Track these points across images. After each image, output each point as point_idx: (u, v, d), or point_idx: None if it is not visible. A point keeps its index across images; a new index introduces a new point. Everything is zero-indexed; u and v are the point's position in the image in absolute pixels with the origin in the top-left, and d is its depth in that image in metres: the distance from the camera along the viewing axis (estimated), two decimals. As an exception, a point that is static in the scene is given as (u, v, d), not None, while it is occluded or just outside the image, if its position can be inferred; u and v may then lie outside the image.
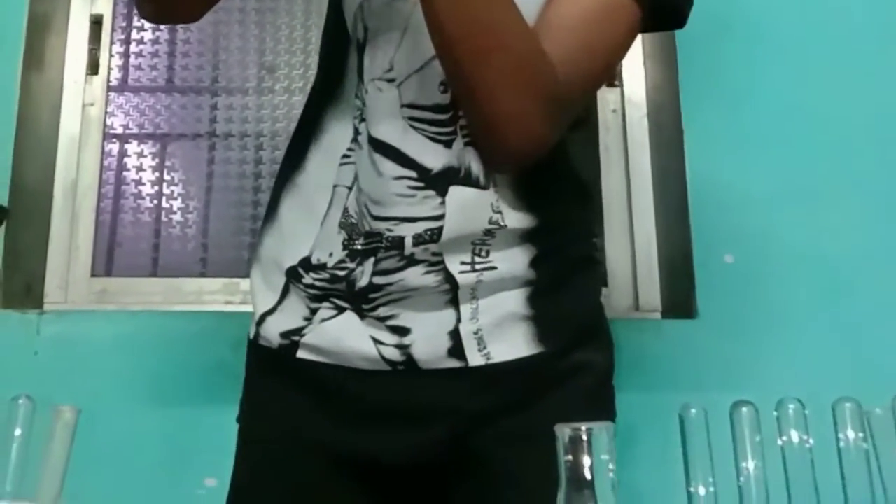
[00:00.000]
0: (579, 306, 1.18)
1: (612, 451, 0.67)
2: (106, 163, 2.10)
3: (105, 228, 2.07)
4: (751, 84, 1.95)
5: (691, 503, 0.78)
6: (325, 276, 1.10)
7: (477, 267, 1.08)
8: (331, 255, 1.10)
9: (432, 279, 1.07)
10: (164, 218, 2.10)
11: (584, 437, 0.66)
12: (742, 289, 1.84)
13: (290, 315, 1.14)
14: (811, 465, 0.80)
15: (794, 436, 0.80)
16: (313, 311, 1.12)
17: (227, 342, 1.75)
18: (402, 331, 1.08)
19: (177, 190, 2.12)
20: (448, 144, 1.06)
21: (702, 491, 0.77)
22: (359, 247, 1.08)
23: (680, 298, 1.90)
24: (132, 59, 2.19)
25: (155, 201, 2.11)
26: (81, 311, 1.93)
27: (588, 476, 0.66)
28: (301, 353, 1.13)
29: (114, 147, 2.13)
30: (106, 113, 2.12)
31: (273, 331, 1.15)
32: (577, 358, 1.14)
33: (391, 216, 1.06)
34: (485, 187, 1.07)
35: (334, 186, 1.10)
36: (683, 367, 1.77)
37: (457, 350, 1.08)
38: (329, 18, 1.22)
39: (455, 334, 1.08)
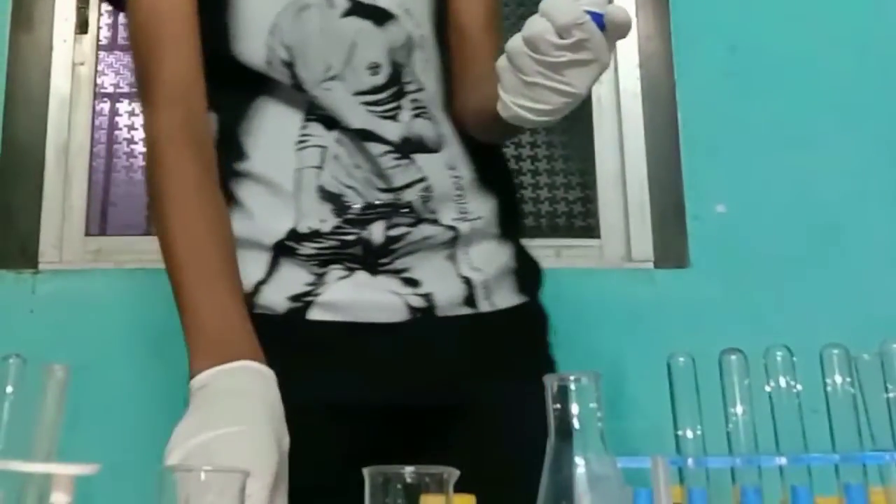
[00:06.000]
0: (530, 255, 1.26)
1: (600, 398, 0.68)
2: (97, 122, 2.09)
3: (98, 188, 2.07)
4: (742, 33, 1.94)
5: (679, 447, 0.79)
6: (333, 242, 1.12)
7: (469, 218, 1.17)
8: (322, 220, 1.12)
9: (437, 230, 1.14)
10: (156, 176, 2.08)
11: (573, 387, 0.67)
12: (733, 238, 1.85)
13: (290, 282, 1.15)
14: (799, 410, 0.81)
15: (782, 381, 0.81)
16: (319, 276, 1.14)
17: (223, 299, 1.76)
18: (415, 283, 1.14)
19: (169, 148, 2.10)
20: (395, 118, 1.14)
21: (689, 434, 0.78)
22: (355, 215, 1.12)
23: (672, 248, 1.90)
24: (121, 17, 2.16)
25: (147, 159, 2.10)
26: (76, 269, 1.93)
27: (576, 425, 0.67)
28: (313, 314, 1.14)
29: (105, 106, 2.13)
30: (96, 72, 2.10)
31: (276, 297, 1.15)
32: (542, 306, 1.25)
33: (395, 186, 1.13)
34: (436, 150, 1.16)
35: (299, 169, 1.13)
36: (675, 315, 1.78)
37: (469, 298, 1.16)
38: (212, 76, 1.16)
39: (467, 282, 1.16)
